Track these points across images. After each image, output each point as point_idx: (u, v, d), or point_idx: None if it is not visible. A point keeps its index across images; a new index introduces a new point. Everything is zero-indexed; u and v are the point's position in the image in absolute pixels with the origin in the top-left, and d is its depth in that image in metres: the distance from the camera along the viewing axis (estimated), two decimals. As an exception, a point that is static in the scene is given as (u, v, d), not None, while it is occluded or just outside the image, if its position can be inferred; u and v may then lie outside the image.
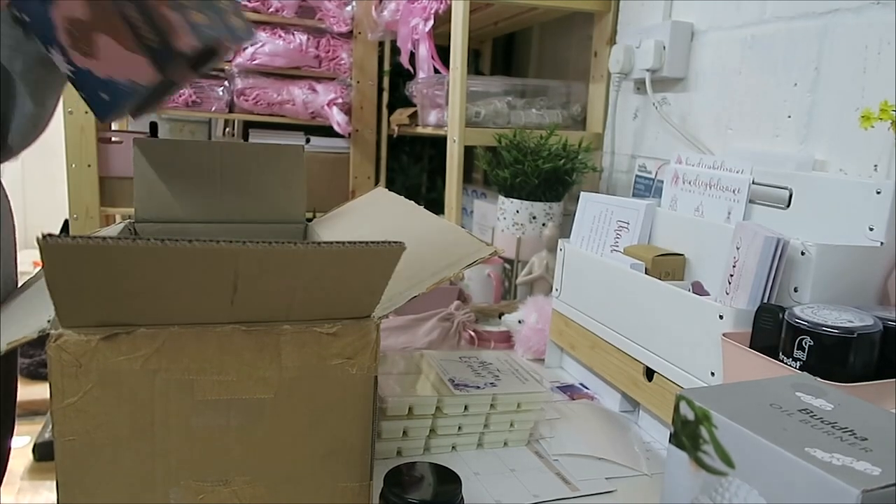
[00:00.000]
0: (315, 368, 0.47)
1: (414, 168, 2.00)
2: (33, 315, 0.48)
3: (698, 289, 0.74)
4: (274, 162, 0.87)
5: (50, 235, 0.36)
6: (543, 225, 1.13)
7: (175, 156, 0.82)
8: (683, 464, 0.40)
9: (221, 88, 1.68)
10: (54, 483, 0.43)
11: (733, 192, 0.79)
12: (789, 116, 0.88)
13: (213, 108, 1.68)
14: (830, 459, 0.33)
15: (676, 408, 0.40)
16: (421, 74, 1.38)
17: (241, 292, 0.42)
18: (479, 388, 0.68)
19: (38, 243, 0.36)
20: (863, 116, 0.70)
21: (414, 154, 2.01)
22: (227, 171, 0.85)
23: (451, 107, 1.21)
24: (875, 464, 0.32)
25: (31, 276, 0.63)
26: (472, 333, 0.99)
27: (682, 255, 0.78)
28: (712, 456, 0.38)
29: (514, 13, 1.48)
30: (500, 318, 1.03)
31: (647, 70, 1.08)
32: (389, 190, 0.94)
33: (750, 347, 0.59)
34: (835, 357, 0.53)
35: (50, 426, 0.56)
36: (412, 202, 0.83)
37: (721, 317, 0.62)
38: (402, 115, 1.65)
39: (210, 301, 0.43)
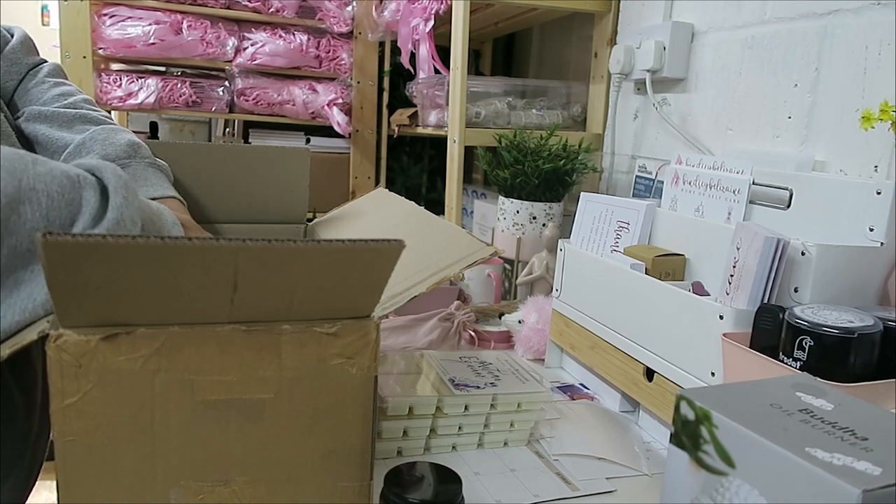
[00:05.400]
0: (315, 368, 0.47)
1: (414, 168, 2.00)
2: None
3: (698, 289, 0.73)
4: (277, 163, 0.87)
5: (50, 233, 0.36)
6: (543, 225, 1.13)
7: (175, 156, 0.82)
8: (684, 464, 0.40)
9: (221, 88, 1.67)
10: (54, 483, 0.43)
11: (733, 192, 0.79)
12: (789, 117, 0.88)
13: (214, 108, 1.68)
14: (831, 459, 0.33)
15: (677, 408, 0.40)
16: (421, 75, 1.38)
17: (242, 291, 0.42)
18: (479, 388, 0.68)
19: (39, 241, 0.36)
20: (863, 117, 0.70)
21: (414, 154, 2.01)
22: (228, 171, 0.86)
23: (452, 107, 1.21)
24: (875, 464, 0.32)
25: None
26: (472, 333, 0.99)
27: (682, 255, 0.78)
28: (713, 456, 0.38)
29: (514, 13, 1.48)
30: (500, 318, 1.03)
31: (648, 70, 1.08)
32: (389, 190, 0.94)
33: (750, 347, 0.59)
34: (835, 357, 0.53)
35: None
36: (412, 203, 0.83)
37: (721, 317, 0.62)
38: (402, 115, 1.65)
39: (210, 300, 0.43)
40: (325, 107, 1.73)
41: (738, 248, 0.64)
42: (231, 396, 0.46)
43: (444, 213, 1.26)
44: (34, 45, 0.81)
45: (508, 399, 0.68)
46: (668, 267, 0.77)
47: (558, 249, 0.92)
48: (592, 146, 1.24)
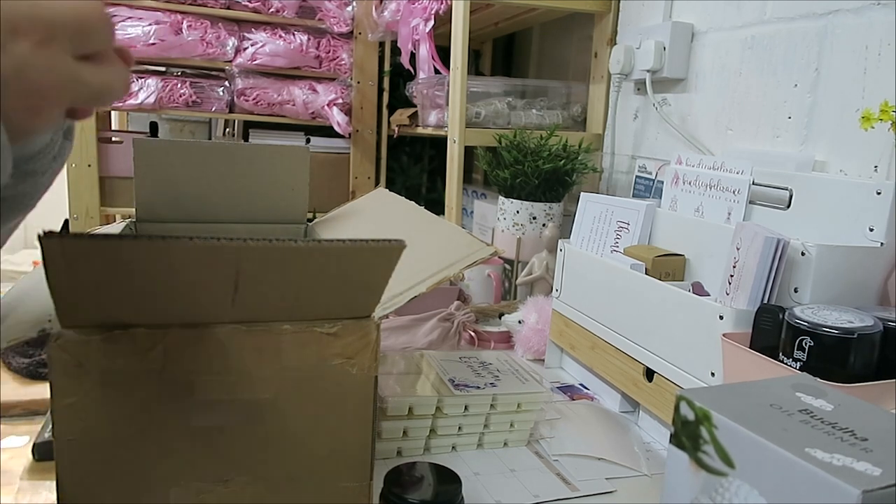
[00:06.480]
0: (315, 368, 0.47)
1: (414, 168, 2.00)
2: (35, 313, 0.48)
3: (698, 289, 0.73)
4: (277, 163, 0.87)
5: (50, 233, 0.36)
6: (543, 225, 1.13)
7: (175, 156, 0.82)
8: (683, 464, 0.40)
9: (221, 88, 1.67)
10: (54, 483, 0.43)
11: (733, 192, 0.79)
12: (789, 117, 0.88)
13: (213, 108, 1.68)
14: (831, 460, 0.33)
15: (676, 408, 0.40)
16: (421, 75, 1.37)
17: (242, 291, 0.42)
18: (479, 388, 0.68)
19: (39, 240, 0.36)
20: (863, 117, 0.70)
21: (414, 154, 2.01)
22: (228, 171, 0.86)
23: (452, 107, 1.21)
24: (875, 464, 0.32)
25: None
26: (472, 334, 0.99)
27: (682, 255, 0.78)
28: (712, 456, 0.38)
29: (514, 14, 1.48)
30: (500, 318, 1.03)
31: (648, 71, 1.08)
32: (389, 190, 0.94)
33: (750, 348, 0.59)
34: (835, 357, 0.53)
35: (50, 426, 0.56)
36: (413, 203, 0.83)
37: (721, 317, 0.62)
38: (402, 115, 1.65)
39: (211, 300, 0.43)
40: (325, 107, 1.73)
41: (738, 249, 0.64)
42: (231, 396, 0.46)
43: (444, 213, 1.25)
44: None
45: (508, 399, 0.68)
46: (668, 267, 0.77)
47: (558, 249, 0.92)
48: (592, 146, 1.24)
